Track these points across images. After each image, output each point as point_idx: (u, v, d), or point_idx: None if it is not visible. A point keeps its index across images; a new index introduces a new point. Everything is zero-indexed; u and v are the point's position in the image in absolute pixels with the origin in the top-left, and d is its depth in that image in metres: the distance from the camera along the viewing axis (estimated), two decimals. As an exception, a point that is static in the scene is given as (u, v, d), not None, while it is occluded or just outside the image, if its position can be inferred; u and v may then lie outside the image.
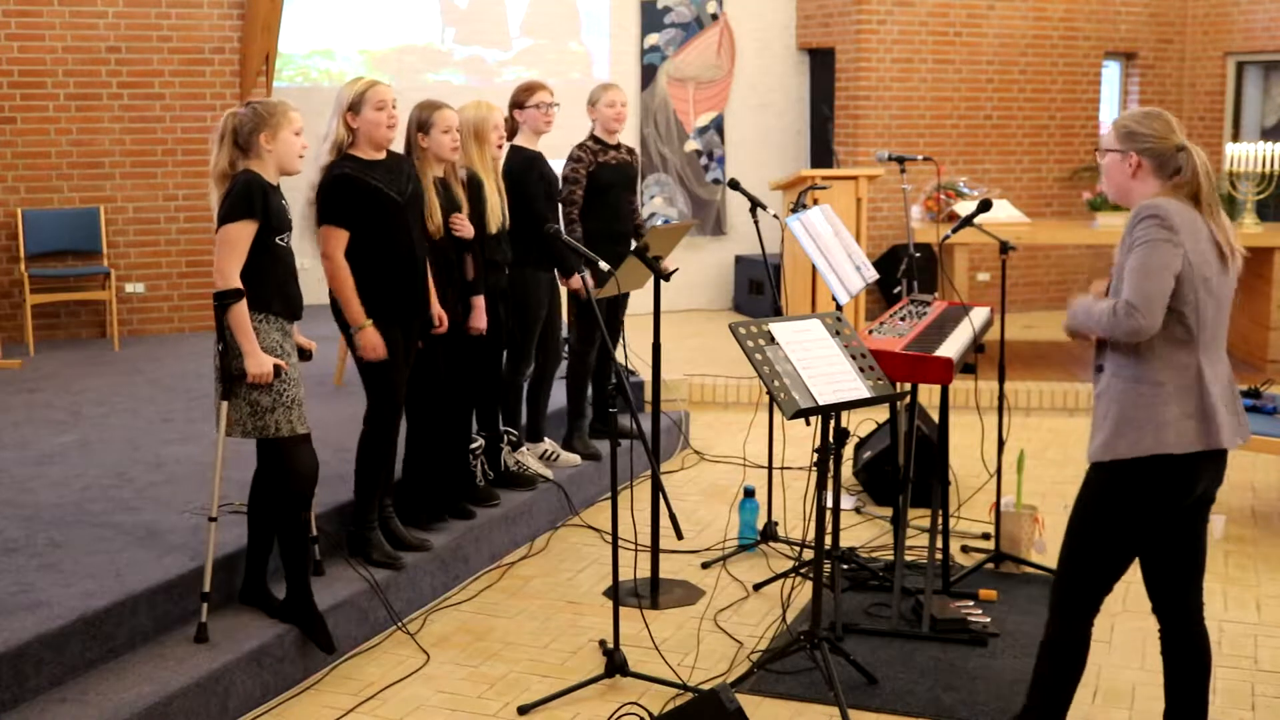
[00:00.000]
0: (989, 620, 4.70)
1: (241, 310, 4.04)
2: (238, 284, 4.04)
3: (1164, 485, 3.35)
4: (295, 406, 4.17)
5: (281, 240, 4.17)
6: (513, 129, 5.85)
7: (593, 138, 6.15)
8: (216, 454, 4.17)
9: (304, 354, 4.43)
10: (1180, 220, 3.27)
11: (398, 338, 4.74)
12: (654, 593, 5.06)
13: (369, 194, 4.60)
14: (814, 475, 4.22)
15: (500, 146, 5.39)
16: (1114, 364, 3.39)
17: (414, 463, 5.15)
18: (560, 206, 6.01)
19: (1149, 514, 3.39)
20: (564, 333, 7.20)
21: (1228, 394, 3.40)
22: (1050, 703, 3.55)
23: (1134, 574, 5.34)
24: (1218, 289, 3.35)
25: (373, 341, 4.63)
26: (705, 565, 5.42)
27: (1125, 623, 4.82)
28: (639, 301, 6.64)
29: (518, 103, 5.86)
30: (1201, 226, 3.31)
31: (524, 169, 5.70)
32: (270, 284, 4.12)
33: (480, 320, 5.29)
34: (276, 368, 4.10)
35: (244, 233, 4.05)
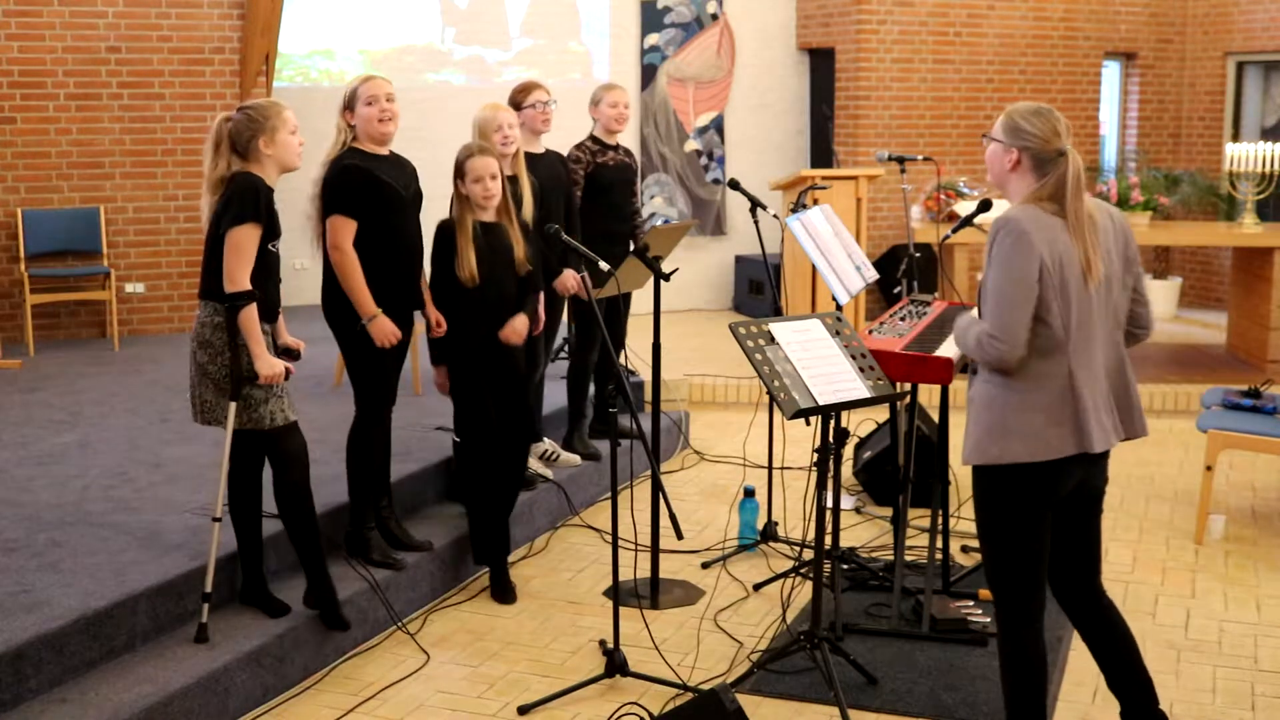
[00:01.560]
0: (989, 620, 4.70)
1: (252, 313, 4.06)
2: (249, 286, 4.06)
3: (1032, 487, 3.40)
4: (285, 396, 4.23)
5: (272, 246, 4.20)
6: (512, 129, 5.85)
7: (591, 138, 6.15)
8: (224, 454, 4.18)
9: (293, 355, 4.43)
10: (1034, 227, 3.29)
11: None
12: (654, 593, 5.06)
13: (375, 185, 4.62)
14: (814, 475, 4.22)
15: (506, 146, 5.36)
16: (986, 368, 3.44)
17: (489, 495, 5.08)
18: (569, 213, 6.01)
19: (1024, 513, 3.44)
20: (563, 334, 7.19)
21: (1104, 395, 3.42)
22: (1024, 713, 3.53)
23: (1130, 574, 5.35)
24: (1088, 292, 3.34)
25: (386, 329, 4.65)
26: (705, 565, 5.42)
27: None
28: (639, 301, 6.64)
29: (515, 103, 5.85)
30: (1060, 232, 3.31)
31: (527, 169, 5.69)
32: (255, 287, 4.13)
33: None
34: (286, 369, 4.16)
35: (252, 236, 4.07)
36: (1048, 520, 3.47)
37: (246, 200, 4.06)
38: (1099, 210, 3.43)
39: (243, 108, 4.20)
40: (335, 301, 4.70)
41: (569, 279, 5.74)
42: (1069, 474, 3.42)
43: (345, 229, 4.61)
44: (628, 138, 7.38)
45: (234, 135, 4.13)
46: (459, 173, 4.84)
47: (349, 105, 4.66)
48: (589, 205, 6.07)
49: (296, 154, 4.21)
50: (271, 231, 4.16)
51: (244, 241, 4.06)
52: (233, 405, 4.13)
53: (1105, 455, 3.53)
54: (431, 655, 4.52)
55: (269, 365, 4.10)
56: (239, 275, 4.06)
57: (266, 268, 4.18)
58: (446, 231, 4.87)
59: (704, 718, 3.70)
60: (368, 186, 4.61)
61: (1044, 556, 3.50)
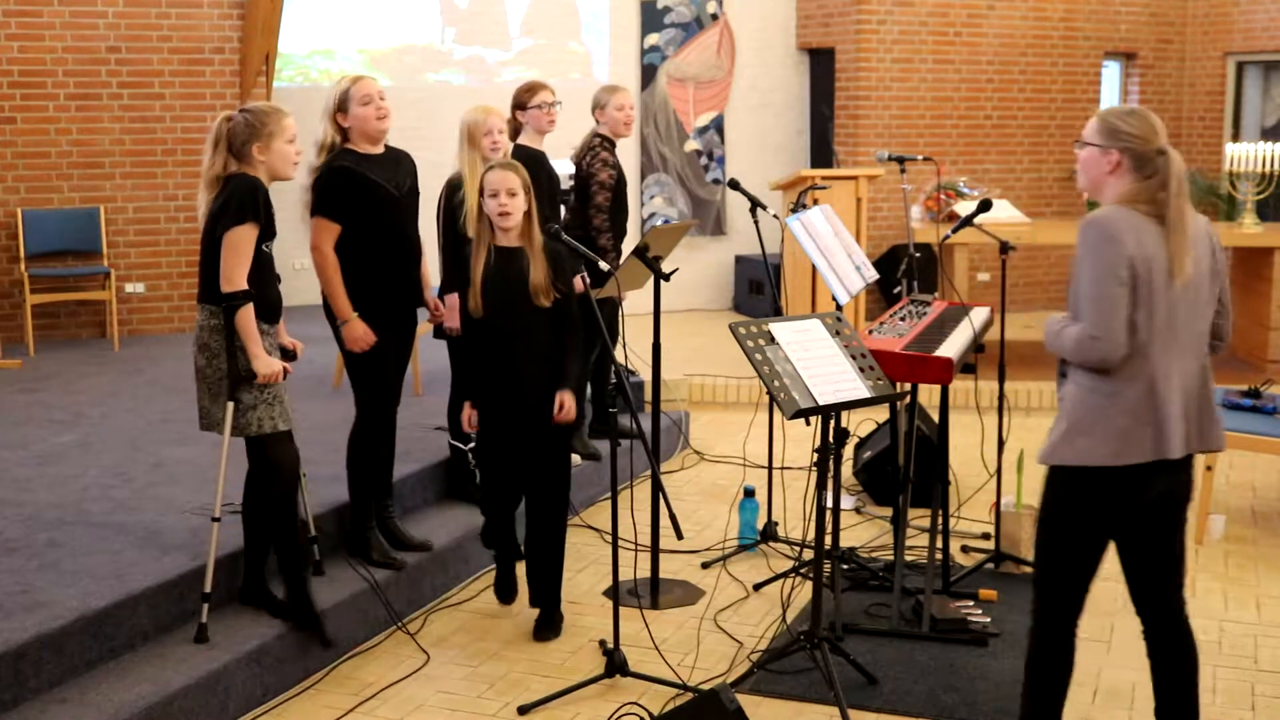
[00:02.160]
0: (989, 620, 4.70)
1: (249, 313, 4.06)
2: (245, 286, 4.05)
3: (1112, 492, 3.35)
4: (276, 404, 4.19)
5: (266, 247, 4.19)
6: (515, 129, 5.84)
7: (606, 141, 6.11)
8: (222, 455, 4.18)
9: (289, 355, 4.43)
10: (1124, 227, 3.24)
11: (388, 334, 4.73)
12: (654, 593, 5.06)
13: (365, 188, 4.61)
14: (814, 475, 4.22)
15: (495, 150, 5.35)
16: (1072, 370, 3.42)
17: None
18: (593, 215, 5.97)
19: (1102, 518, 3.40)
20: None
21: (1189, 402, 3.36)
22: (1041, 710, 3.52)
23: (1134, 574, 5.34)
24: (1177, 295, 3.29)
25: (358, 333, 4.64)
26: (705, 565, 5.42)
27: (1125, 622, 4.81)
28: (639, 301, 6.64)
29: (520, 103, 5.85)
30: (1152, 234, 3.26)
31: (532, 168, 5.68)
32: (252, 287, 4.12)
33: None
34: (284, 369, 4.15)
35: (250, 236, 4.07)
36: (1114, 527, 3.42)
37: (245, 200, 4.05)
38: (1193, 218, 3.36)
39: (245, 109, 4.19)
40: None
41: (576, 280, 5.69)
42: (1152, 481, 3.35)
43: (327, 231, 4.60)
44: (629, 138, 7.40)
45: (230, 136, 4.13)
46: (480, 188, 4.50)
47: (341, 107, 4.64)
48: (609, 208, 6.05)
49: (290, 164, 4.18)
50: (267, 232, 4.15)
51: (241, 242, 4.05)
52: (230, 406, 4.12)
53: (1188, 463, 3.45)
54: (431, 655, 4.52)
55: (266, 365, 4.09)
56: (236, 275, 4.05)
57: (261, 268, 4.18)
58: (462, 260, 4.58)
59: (704, 718, 3.70)
60: (357, 189, 4.59)
61: (1097, 562, 3.45)
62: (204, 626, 4.12)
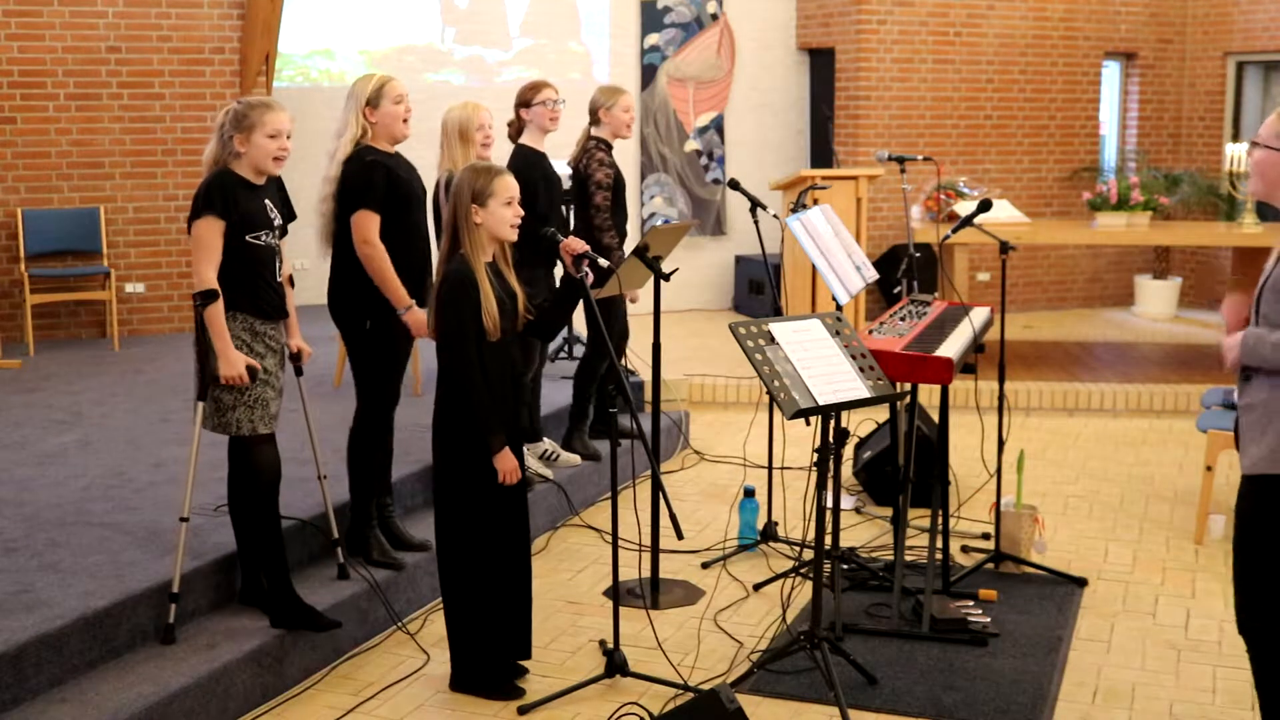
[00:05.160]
0: (989, 620, 4.70)
1: (217, 311, 4.03)
2: (213, 284, 4.04)
3: None
4: (258, 406, 4.16)
5: (255, 238, 4.14)
6: (518, 129, 5.84)
7: (604, 144, 6.09)
8: (191, 453, 4.18)
9: (295, 358, 4.40)
10: None
11: (398, 333, 4.73)
12: (654, 593, 5.06)
13: (395, 182, 4.63)
14: (814, 475, 4.22)
15: (486, 147, 5.35)
16: (1266, 377, 3.27)
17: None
18: (594, 215, 5.95)
19: None
20: (563, 334, 7.17)
21: None
22: None
23: (1130, 574, 5.34)
24: None
25: (421, 319, 4.57)
26: (705, 565, 5.42)
27: (1125, 622, 4.82)
28: (639, 301, 6.63)
29: (524, 102, 5.85)
30: None
31: (527, 169, 5.68)
32: (237, 281, 4.10)
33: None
34: (251, 370, 4.08)
35: (209, 229, 4.04)
36: None
37: (200, 194, 4.06)
38: None
39: (240, 100, 4.21)
40: (344, 299, 4.70)
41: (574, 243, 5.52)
42: None
43: (372, 223, 4.59)
44: (627, 139, 7.38)
45: (223, 125, 4.14)
46: (478, 197, 4.01)
47: (372, 102, 4.65)
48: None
49: (269, 159, 4.14)
50: (249, 224, 4.11)
51: (199, 235, 4.05)
52: (199, 405, 4.11)
53: None
54: (431, 655, 4.51)
55: (229, 364, 4.03)
56: (202, 271, 4.04)
57: (252, 260, 4.14)
58: (467, 280, 3.97)
59: (704, 718, 3.70)
60: (389, 182, 4.62)
61: None
62: (171, 627, 4.09)
